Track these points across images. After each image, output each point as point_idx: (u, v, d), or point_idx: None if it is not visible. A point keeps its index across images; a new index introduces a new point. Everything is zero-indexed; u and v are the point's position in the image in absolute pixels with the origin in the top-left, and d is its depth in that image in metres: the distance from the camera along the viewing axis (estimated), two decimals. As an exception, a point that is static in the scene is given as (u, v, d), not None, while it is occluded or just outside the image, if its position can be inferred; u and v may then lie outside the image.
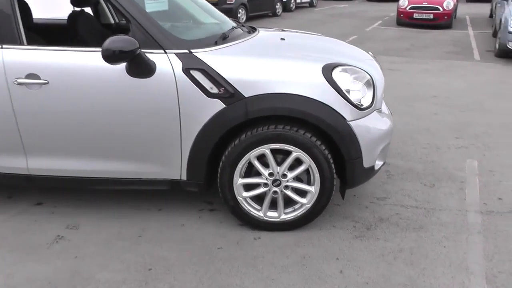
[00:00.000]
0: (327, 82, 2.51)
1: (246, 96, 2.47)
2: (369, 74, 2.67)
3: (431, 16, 12.85)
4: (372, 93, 2.66)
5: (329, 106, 2.49)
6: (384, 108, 2.98)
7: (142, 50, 2.43)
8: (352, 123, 2.54)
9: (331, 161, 2.59)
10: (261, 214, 2.72)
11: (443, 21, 12.84)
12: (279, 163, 2.61)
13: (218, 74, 2.47)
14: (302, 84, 2.50)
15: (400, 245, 2.65)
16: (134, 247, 2.63)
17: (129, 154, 2.67)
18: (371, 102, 2.64)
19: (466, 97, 5.90)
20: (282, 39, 3.19)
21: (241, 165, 2.59)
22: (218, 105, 2.49)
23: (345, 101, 2.52)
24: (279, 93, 2.46)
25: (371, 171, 2.77)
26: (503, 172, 3.67)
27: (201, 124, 2.53)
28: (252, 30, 3.40)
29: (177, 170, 2.70)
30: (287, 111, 2.47)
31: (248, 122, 2.52)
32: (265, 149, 2.54)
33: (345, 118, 2.52)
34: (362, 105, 2.59)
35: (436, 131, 4.61)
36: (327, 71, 2.54)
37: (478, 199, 3.21)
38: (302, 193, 2.69)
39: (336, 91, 2.51)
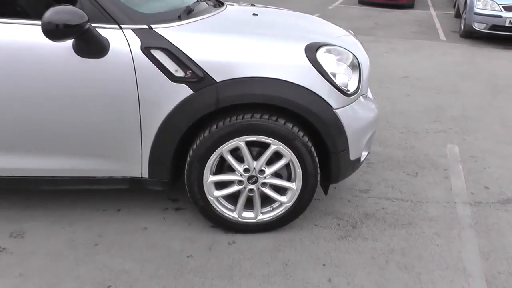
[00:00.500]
0: (311, 65, 2.18)
1: (217, 80, 2.11)
2: (353, 55, 2.37)
3: (394, -5, 12.71)
4: (358, 76, 2.37)
5: (314, 92, 2.17)
6: (369, 93, 2.70)
7: (93, 25, 2.02)
8: (338, 111, 2.24)
9: (315, 154, 2.28)
10: (235, 215, 2.40)
11: (405, 1, 12.73)
12: (255, 157, 2.28)
13: (184, 54, 2.10)
14: (282, 66, 2.16)
15: (390, 245, 2.40)
16: (89, 258, 2.25)
17: (79, 150, 2.27)
18: (357, 87, 2.34)
19: (437, 79, 5.74)
20: (254, 14, 2.83)
21: (212, 161, 2.25)
22: (184, 91, 2.12)
23: (331, 86, 2.21)
24: (257, 78, 2.12)
25: (357, 163, 2.49)
26: (484, 158, 3.50)
27: (164, 114, 2.16)
28: (219, 4, 3.01)
29: (137, 166, 2.32)
30: (266, 98, 2.13)
31: (219, 111, 2.17)
32: (240, 142, 2.21)
33: (331, 106, 2.21)
34: (348, 90, 2.29)
35: (411, 114, 4.40)
36: (311, 52, 2.21)
37: (465, 188, 3.02)
38: (281, 190, 2.38)
39: (321, 74, 2.19)
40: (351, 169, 2.49)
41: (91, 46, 2.06)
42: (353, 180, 3.05)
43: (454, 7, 12.39)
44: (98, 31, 2.06)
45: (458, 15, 10.67)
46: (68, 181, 2.38)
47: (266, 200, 2.41)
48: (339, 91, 2.23)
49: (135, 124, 2.20)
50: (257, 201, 2.37)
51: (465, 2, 8.76)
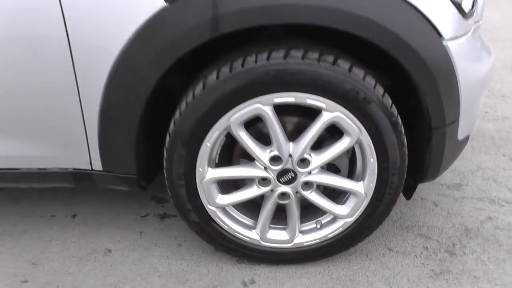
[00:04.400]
0: None
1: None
2: None
3: None
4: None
5: (415, 8, 1.09)
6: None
7: None
8: (450, 45, 1.15)
9: (403, 130, 1.22)
10: (255, 235, 1.37)
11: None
12: (291, 137, 1.23)
13: None
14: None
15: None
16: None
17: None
18: (473, 4, 1.25)
19: (509, 29, 4.56)
20: None
21: (211, 142, 1.20)
22: (149, 2, 1.06)
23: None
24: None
25: (464, 144, 1.43)
26: None
27: (114, 52, 1.11)
28: None
29: (83, 153, 1.30)
30: (320, 15, 1.05)
31: (219, 41, 1.12)
32: (263, 106, 1.15)
33: (440, 35, 1.13)
34: (463, 8, 1.20)
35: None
36: None
37: None
38: (336, 195, 1.34)
39: None
40: (456, 155, 1.43)
41: None
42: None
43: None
44: None
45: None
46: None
47: (308, 211, 1.38)
48: (455, 6, 1.15)
49: (65, 76, 1.17)
50: (295, 212, 1.33)
51: None
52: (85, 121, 1.24)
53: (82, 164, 1.34)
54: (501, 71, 3.33)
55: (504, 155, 2.15)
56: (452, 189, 1.87)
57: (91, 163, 1.33)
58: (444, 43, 1.14)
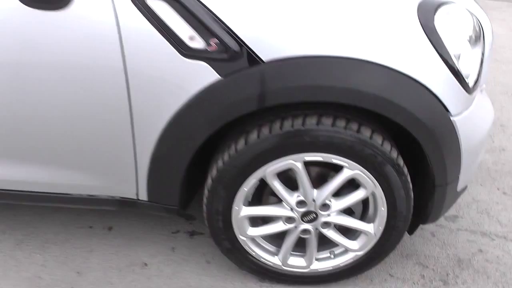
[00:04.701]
0: (426, 37, 1.29)
1: (264, 60, 1.24)
2: (475, 19, 1.46)
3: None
4: (480, 56, 1.47)
5: (424, 86, 1.30)
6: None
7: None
8: (456, 120, 1.37)
9: (411, 187, 1.44)
10: (277, 261, 1.60)
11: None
12: (315, 184, 1.45)
13: (207, 9, 1.23)
14: (377, 39, 1.28)
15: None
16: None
17: (41, 157, 1.46)
18: (478, 74, 1.46)
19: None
20: None
21: (248, 187, 1.42)
22: (204, 74, 1.26)
23: (452, 76, 1.33)
24: (334, 58, 1.24)
25: (462, 192, 1.65)
26: None
27: (170, 111, 1.32)
28: None
29: (131, 186, 1.52)
30: (351, 95, 1.27)
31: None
32: (296, 162, 1.36)
33: (448, 111, 1.34)
34: (468, 82, 1.41)
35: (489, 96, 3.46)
36: (427, 14, 1.32)
37: None
38: (348, 230, 1.57)
39: (441, 56, 1.30)
40: (455, 201, 1.65)
41: None
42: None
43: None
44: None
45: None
46: (29, 197, 1.59)
47: (323, 241, 1.60)
48: (461, 85, 1.36)
49: (123, 125, 1.37)
50: (313, 244, 1.56)
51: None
52: (137, 161, 1.44)
53: (129, 194, 1.55)
54: (501, 97, 3.50)
55: (498, 189, 2.36)
56: (449, 220, 2.09)
57: (137, 194, 1.54)
58: (452, 118, 1.35)
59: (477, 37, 1.45)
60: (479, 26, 1.46)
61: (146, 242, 1.86)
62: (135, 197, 1.55)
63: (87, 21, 1.24)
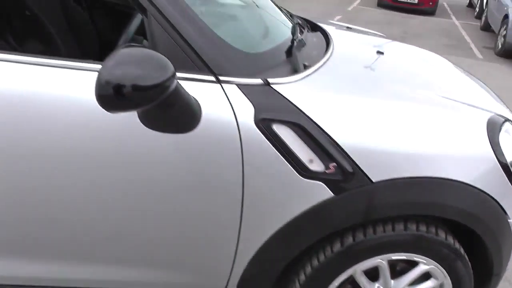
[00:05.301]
0: (493, 154, 1.58)
1: (373, 180, 1.46)
2: None
3: (416, 0, 12.12)
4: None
5: (493, 199, 1.57)
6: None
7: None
8: (511, 222, 1.65)
9: (472, 276, 1.70)
10: None
11: (427, 7, 12.17)
12: (393, 276, 1.68)
13: (327, 135, 1.42)
14: (461, 159, 1.54)
15: None
16: None
17: (140, 257, 1.59)
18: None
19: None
20: (379, 52, 2.08)
21: (338, 282, 1.64)
22: (319, 193, 1.45)
23: (510, 186, 1.62)
24: (433, 179, 1.49)
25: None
26: None
27: (280, 222, 1.48)
28: (313, 28, 2.19)
29: (221, 281, 1.64)
30: (444, 211, 1.53)
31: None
32: (383, 260, 1.60)
33: (506, 214, 1.62)
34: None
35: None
36: (494, 130, 1.61)
37: None
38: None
39: (504, 170, 1.59)
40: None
41: (172, 114, 1.22)
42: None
43: (477, 17, 11.86)
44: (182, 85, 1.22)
45: (486, 28, 10.15)
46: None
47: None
48: (513, 192, 1.65)
49: (230, 235, 1.51)
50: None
51: (505, 17, 8.16)
52: (234, 264, 1.56)
53: (217, 288, 1.69)
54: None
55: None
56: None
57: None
58: (509, 220, 1.62)
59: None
60: None
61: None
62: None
63: (210, 147, 1.37)
